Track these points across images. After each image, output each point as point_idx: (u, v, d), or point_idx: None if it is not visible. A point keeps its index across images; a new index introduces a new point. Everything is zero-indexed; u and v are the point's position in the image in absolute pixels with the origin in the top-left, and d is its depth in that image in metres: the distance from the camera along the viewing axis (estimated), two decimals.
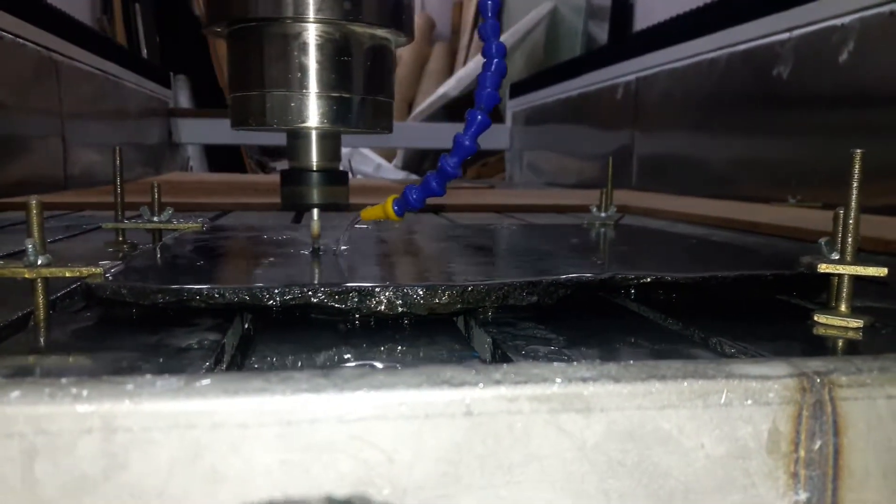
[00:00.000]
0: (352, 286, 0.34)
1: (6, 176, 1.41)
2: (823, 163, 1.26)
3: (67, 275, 0.36)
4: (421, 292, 0.34)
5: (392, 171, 4.15)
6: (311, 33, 0.41)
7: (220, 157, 3.66)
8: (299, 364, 0.31)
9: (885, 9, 1.10)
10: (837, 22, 1.20)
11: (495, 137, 3.20)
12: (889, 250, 0.64)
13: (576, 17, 3.41)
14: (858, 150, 0.36)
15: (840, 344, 0.34)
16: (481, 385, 0.19)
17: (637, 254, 0.51)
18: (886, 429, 0.19)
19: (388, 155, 4.37)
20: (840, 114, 1.23)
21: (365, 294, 0.34)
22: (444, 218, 1.04)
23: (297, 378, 0.20)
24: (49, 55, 1.67)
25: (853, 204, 0.36)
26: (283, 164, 4.57)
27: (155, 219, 0.61)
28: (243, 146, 3.74)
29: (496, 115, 3.38)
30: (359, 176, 4.05)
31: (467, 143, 0.43)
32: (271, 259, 0.44)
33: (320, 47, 0.42)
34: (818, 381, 0.18)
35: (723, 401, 0.18)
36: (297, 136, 0.44)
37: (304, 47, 0.41)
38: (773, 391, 0.18)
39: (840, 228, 0.38)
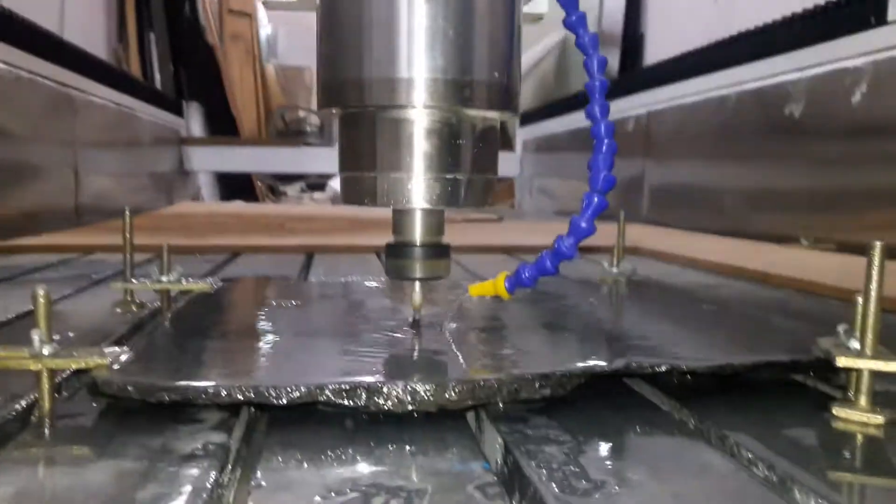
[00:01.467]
0: (359, 382, 0.33)
1: (19, 205, 1.42)
2: (837, 200, 1.25)
3: (73, 366, 0.35)
4: (430, 389, 0.33)
5: None
6: (424, 119, 0.43)
7: (231, 184, 3.68)
8: (305, 466, 0.31)
9: None
10: (850, 64, 1.19)
11: (505, 165, 3.20)
12: None
13: None
14: (878, 243, 0.35)
15: (860, 441, 0.33)
16: None
17: (649, 323, 0.50)
18: None
19: None
20: (853, 153, 1.22)
21: (373, 391, 0.33)
22: (455, 262, 1.04)
23: None
24: (66, 91, 1.69)
25: (873, 296, 0.35)
26: (292, 187, 4.54)
27: (164, 278, 0.61)
28: (254, 174, 3.76)
29: (506, 142, 3.39)
30: None
31: (584, 224, 0.44)
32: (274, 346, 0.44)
33: (432, 132, 0.43)
34: None
35: None
36: (403, 212, 0.46)
37: (416, 132, 0.43)
38: None
39: (859, 319, 0.37)
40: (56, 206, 1.63)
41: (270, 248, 1.12)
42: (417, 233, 0.46)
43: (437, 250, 0.46)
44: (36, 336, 0.35)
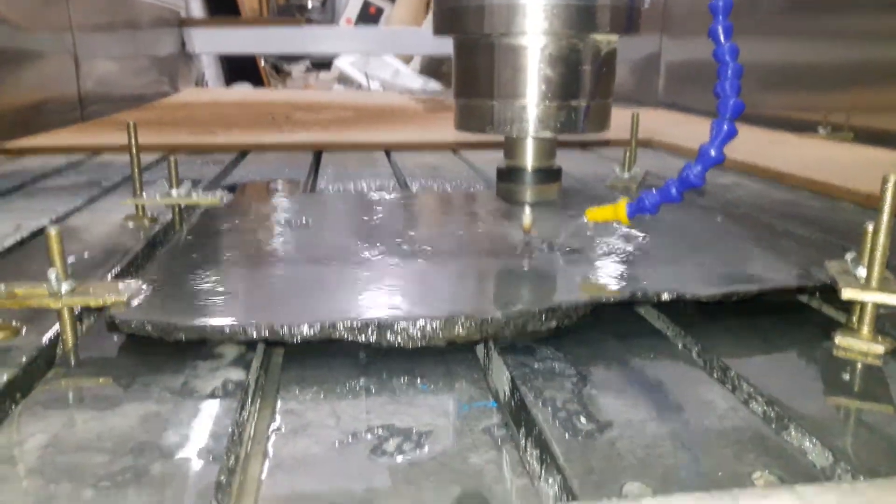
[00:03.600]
0: (370, 319, 0.34)
1: (22, 98, 1.39)
2: (858, 77, 1.21)
3: (91, 304, 0.36)
4: (440, 325, 0.34)
5: (411, 77, 4.05)
6: (547, 45, 0.42)
7: (235, 66, 3.59)
8: (322, 396, 0.32)
9: None
10: None
11: None
12: None
13: None
14: (892, 176, 0.34)
15: (859, 369, 0.34)
16: None
17: (657, 244, 0.50)
18: None
19: (406, 58, 4.25)
20: (877, 28, 1.17)
21: (384, 328, 0.34)
22: (461, 160, 1.03)
23: None
24: None
25: (883, 228, 0.35)
26: (297, 67, 4.41)
27: (174, 192, 0.61)
28: (258, 55, 3.66)
29: None
30: (374, 83, 3.97)
31: (713, 153, 0.43)
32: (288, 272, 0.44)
33: (555, 58, 0.42)
34: None
35: None
36: (517, 138, 0.46)
37: (538, 59, 0.42)
38: None
39: (868, 249, 0.37)
40: (59, 97, 1.60)
41: (278, 146, 1.10)
42: (529, 158, 0.46)
43: (548, 175, 0.47)
44: (53, 275, 0.36)
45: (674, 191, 0.45)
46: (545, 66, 0.42)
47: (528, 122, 0.43)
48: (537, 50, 0.42)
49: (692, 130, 1.33)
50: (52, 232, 0.35)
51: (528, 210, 0.48)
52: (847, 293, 0.36)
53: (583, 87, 0.43)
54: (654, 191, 0.46)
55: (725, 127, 0.43)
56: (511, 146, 0.47)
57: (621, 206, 0.46)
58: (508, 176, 0.47)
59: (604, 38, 0.43)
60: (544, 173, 0.47)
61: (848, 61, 1.26)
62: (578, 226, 0.49)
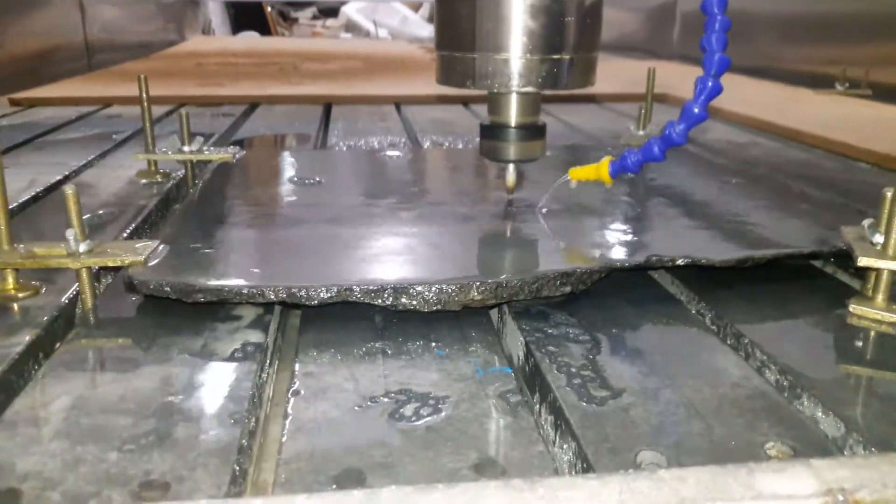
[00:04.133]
0: (386, 282, 0.34)
1: (28, 46, 1.38)
2: (878, 34, 1.18)
3: (109, 263, 0.37)
4: (455, 289, 0.34)
5: (419, 25, 3.98)
6: None
7: (241, 15, 3.53)
8: (339, 358, 0.33)
9: None
10: None
11: None
12: None
13: None
14: None
15: (872, 337, 0.35)
16: None
17: (673, 206, 0.50)
18: None
19: (415, 5, 4.17)
20: None
21: (400, 291, 0.34)
22: (472, 114, 1.02)
23: None
24: None
25: None
26: (304, 13, 4.34)
27: (185, 149, 0.61)
28: (265, 0, 3.60)
29: None
30: (382, 31, 3.90)
31: (697, 110, 0.42)
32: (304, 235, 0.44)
33: (537, 9, 0.40)
34: (842, 500, 0.19)
35: None
36: (499, 94, 0.44)
37: (520, 9, 0.40)
38: None
39: (885, 216, 0.36)
40: (66, 45, 1.58)
41: (287, 98, 1.09)
42: (513, 114, 0.45)
43: (533, 131, 0.46)
44: (71, 236, 0.36)
45: (656, 149, 0.44)
46: (527, 18, 0.41)
47: (509, 77, 0.42)
48: (519, 0, 0.40)
49: None
50: (70, 192, 0.35)
51: (511, 168, 0.47)
52: (863, 261, 0.36)
53: (566, 39, 0.42)
54: (636, 149, 0.45)
55: (710, 83, 0.42)
56: (494, 102, 0.45)
57: (604, 165, 0.46)
58: (491, 133, 0.46)
59: None
60: (528, 130, 0.45)
61: (868, 12, 1.23)
62: (565, 187, 0.48)
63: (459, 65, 0.43)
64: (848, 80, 1.16)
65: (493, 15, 0.41)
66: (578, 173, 0.47)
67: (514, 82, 0.42)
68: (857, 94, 1.13)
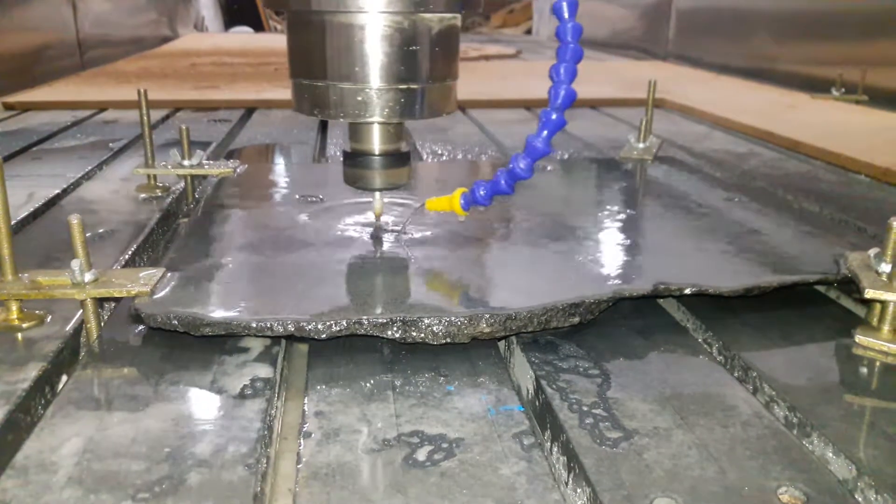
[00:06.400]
0: (395, 317, 0.34)
1: (19, 44, 1.37)
2: (875, 35, 1.19)
3: (115, 294, 0.36)
4: (464, 322, 0.34)
5: None
6: (377, 24, 0.39)
7: (234, 10, 3.50)
8: (348, 391, 0.33)
9: None
10: None
11: None
12: None
13: None
14: None
15: (878, 369, 0.35)
16: None
17: (675, 232, 0.50)
18: None
19: None
20: None
21: (409, 325, 0.34)
22: (470, 119, 1.01)
23: None
24: None
25: None
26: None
27: (185, 163, 0.60)
28: None
29: None
30: None
31: (539, 145, 0.41)
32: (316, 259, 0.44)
33: (386, 38, 0.39)
34: None
35: None
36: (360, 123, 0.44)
37: (369, 39, 0.39)
38: None
39: (892, 243, 0.37)
40: (58, 42, 1.57)
41: (284, 103, 1.09)
42: (376, 142, 0.44)
43: (397, 158, 0.45)
44: (76, 266, 0.36)
45: (503, 182, 0.44)
46: (374, 47, 0.40)
47: (359, 107, 0.41)
48: (365, 29, 0.39)
49: (702, 89, 1.31)
50: (75, 221, 0.35)
51: (377, 196, 0.47)
52: (870, 293, 0.36)
53: (419, 69, 0.41)
54: (485, 182, 0.45)
55: (554, 117, 0.41)
56: (354, 129, 0.44)
57: (456, 197, 0.46)
58: (354, 161, 0.45)
59: (435, 17, 0.40)
60: (392, 157, 0.45)
61: (865, 14, 1.23)
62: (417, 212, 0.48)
63: (313, 93, 0.42)
64: (844, 84, 1.16)
65: (344, 45, 0.40)
66: (435, 204, 0.47)
67: (368, 112, 0.41)
68: (855, 100, 1.13)
